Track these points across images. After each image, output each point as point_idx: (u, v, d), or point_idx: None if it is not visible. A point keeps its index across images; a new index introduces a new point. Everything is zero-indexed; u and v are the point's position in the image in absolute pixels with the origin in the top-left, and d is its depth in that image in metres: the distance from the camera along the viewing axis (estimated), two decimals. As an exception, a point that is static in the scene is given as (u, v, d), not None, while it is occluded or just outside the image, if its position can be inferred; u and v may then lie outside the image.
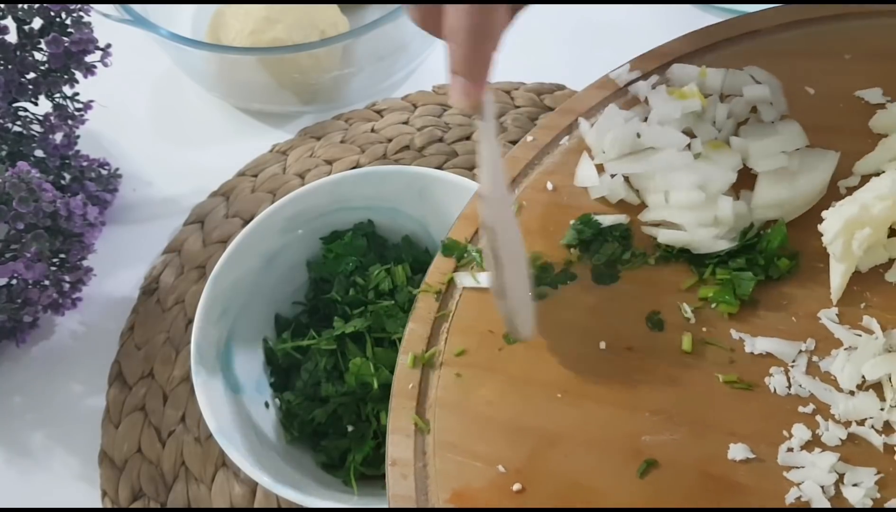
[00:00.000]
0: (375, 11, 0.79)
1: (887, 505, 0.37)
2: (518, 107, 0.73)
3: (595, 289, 0.45)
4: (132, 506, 0.56)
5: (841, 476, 0.37)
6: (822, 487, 0.37)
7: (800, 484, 0.37)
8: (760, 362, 0.41)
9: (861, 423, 0.39)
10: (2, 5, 0.61)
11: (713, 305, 0.43)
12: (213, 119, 0.77)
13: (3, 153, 0.64)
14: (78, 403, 0.61)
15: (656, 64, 0.51)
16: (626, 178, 0.47)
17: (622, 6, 0.81)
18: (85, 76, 0.63)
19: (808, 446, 0.38)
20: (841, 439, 0.38)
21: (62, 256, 0.61)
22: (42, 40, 0.62)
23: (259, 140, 0.75)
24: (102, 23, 0.65)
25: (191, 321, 0.61)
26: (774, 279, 0.43)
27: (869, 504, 0.36)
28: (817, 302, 0.42)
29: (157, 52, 0.75)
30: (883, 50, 0.49)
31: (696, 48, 0.51)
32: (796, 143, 0.45)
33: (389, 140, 0.72)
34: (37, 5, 0.60)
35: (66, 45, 0.61)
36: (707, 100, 0.47)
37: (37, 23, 0.62)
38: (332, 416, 0.53)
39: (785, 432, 0.39)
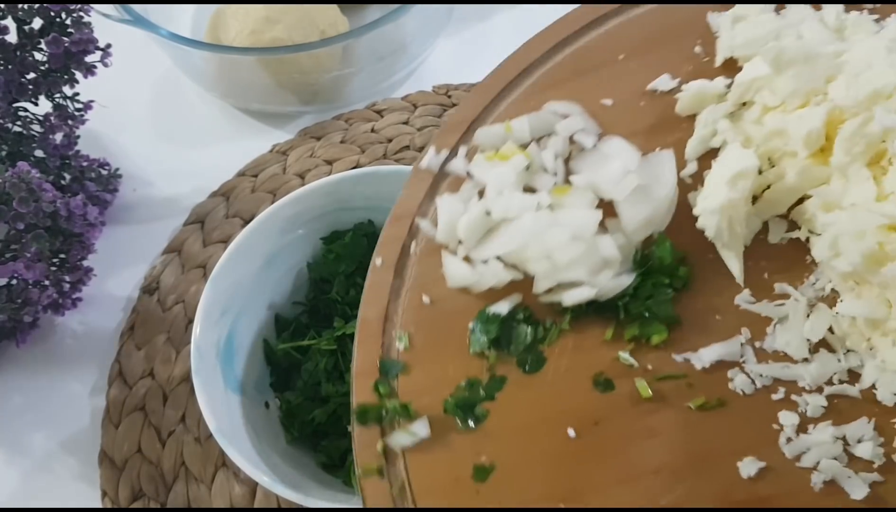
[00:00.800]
0: (375, 11, 0.79)
1: None
2: (518, 107, 0.73)
3: (530, 379, 0.41)
4: (132, 506, 0.56)
5: (844, 439, 0.38)
6: (836, 458, 0.37)
7: (816, 466, 0.38)
8: (716, 373, 0.41)
9: (829, 382, 0.39)
10: (2, 5, 0.61)
11: (645, 341, 0.42)
12: (213, 119, 0.77)
13: (3, 153, 0.64)
14: (78, 403, 0.61)
15: (456, 136, 0.48)
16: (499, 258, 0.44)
17: (622, 6, 0.81)
18: (85, 76, 0.63)
19: (801, 428, 0.39)
20: (823, 407, 0.39)
21: (62, 256, 0.61)
22: (42, 40, 0.62)
23: (259, 140, 0.75)
24: (102, 23, 0.65)
25: (191, 321, 0.61)
26: (679, 290, 0.42)
27: (880, 452, 0.37)
28: (728, 292, 0.42)
29: (157, 52, 0.75)
30: (648, 39, 0.48)
31: (484, 106, 0.49)
32: (633, 157, 0.44)
33: (389, 140, 0.72)
34: (37, 5, 0.60)
35: (66, 45, 0.61)
36: (527, 151, 0.46)
37: (37, 23, 0.62)
38: (332, 416, 0.53)
39: (775, 426, 0.39)
